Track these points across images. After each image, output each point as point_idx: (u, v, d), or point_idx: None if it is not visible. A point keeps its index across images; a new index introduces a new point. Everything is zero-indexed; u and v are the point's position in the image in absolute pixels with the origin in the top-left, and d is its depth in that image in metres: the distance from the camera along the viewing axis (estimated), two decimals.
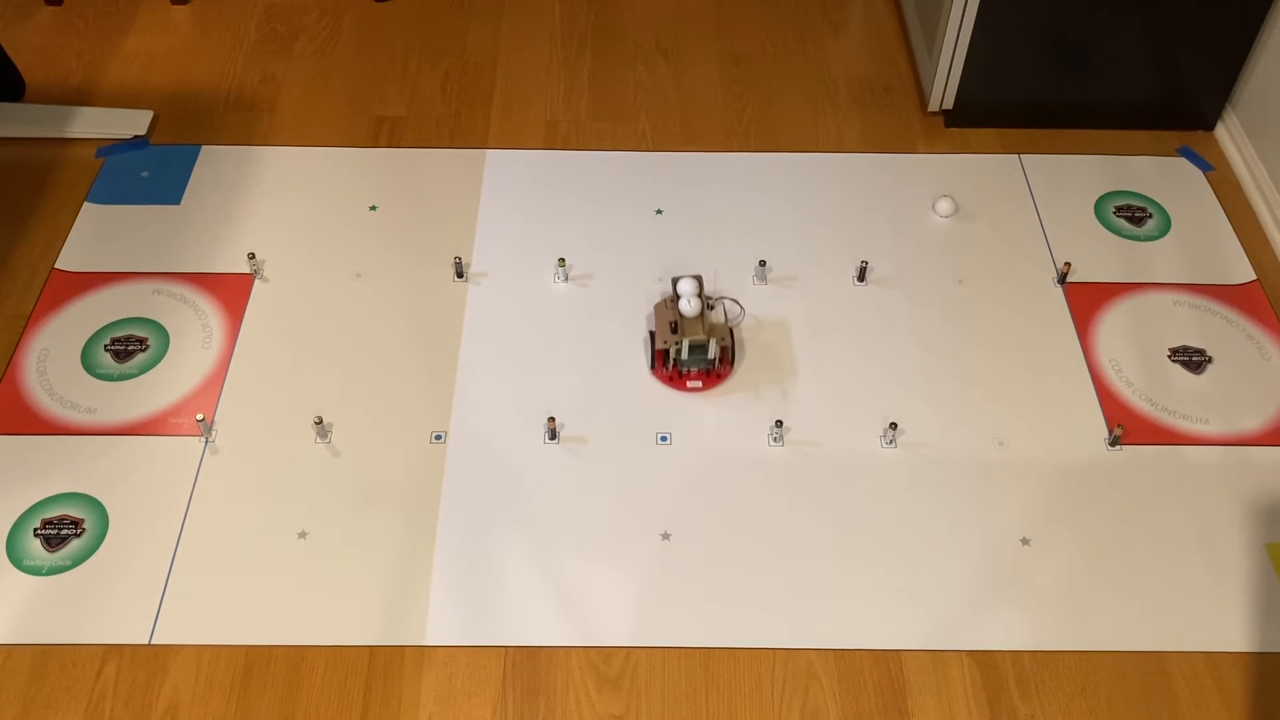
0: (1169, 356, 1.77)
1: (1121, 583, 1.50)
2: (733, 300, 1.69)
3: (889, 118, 2.19)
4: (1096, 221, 1.98)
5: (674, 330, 1.65)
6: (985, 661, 1.43)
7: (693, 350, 1.63)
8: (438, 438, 1.65)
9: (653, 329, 1.69)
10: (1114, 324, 1.82)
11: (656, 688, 1.41)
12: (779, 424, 1.64)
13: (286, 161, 2.06)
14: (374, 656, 1.43)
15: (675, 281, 1.68)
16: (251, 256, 1.86)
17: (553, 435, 1.65)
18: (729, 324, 1.67)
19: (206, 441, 1.64)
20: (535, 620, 1.46)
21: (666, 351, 1.65)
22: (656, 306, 1.70)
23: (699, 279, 1.68)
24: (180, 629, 1.45)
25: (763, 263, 1.86)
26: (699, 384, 1.67)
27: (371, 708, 1.39)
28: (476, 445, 1.64)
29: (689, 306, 1.63)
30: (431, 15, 2.40)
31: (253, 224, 1.95)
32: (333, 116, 2.16)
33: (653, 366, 1.69)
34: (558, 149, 2.10)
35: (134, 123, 2.12)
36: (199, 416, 1.64)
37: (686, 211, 1.99)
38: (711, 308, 1.66)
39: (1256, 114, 2.05)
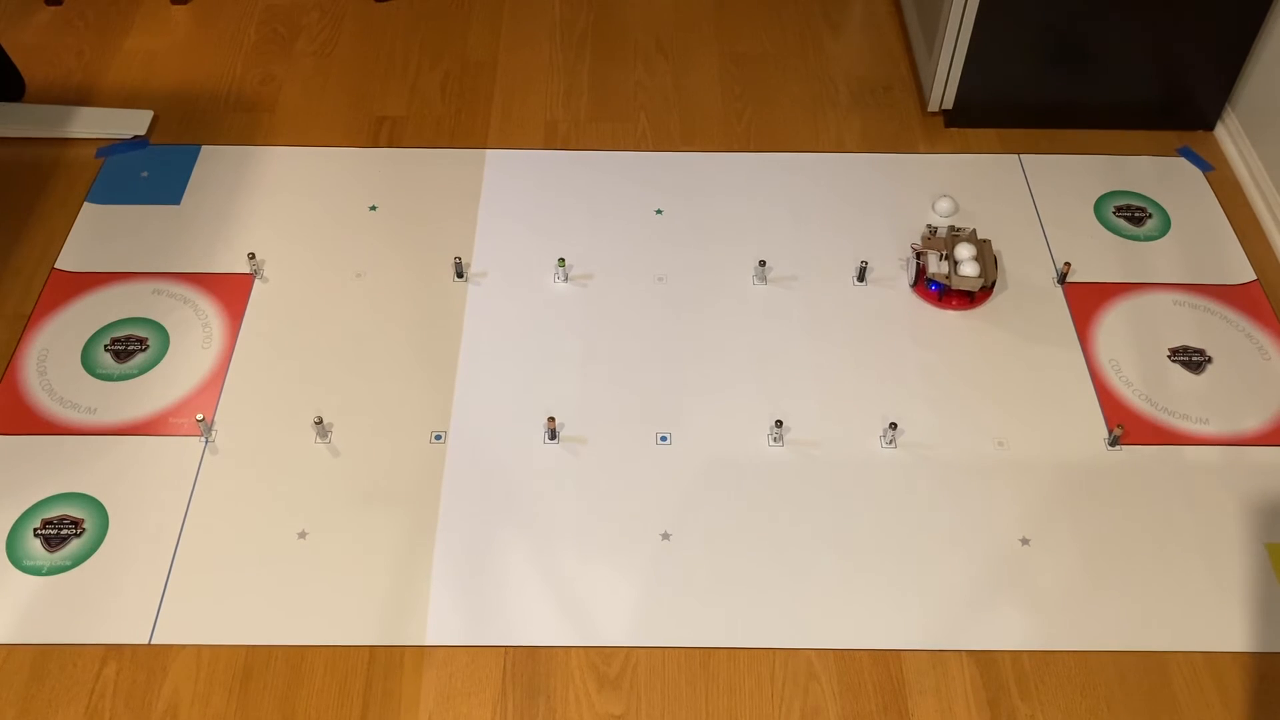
0: (1169, 356, 1.77)
1: (1121, 583, 1.50)
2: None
3: (889, 118, 2.19)
4: (1096, 221, 1.98)
5: (943, 259, 1.81)
6: (985, 661, 1.43)
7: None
8: (438, 438, 1.65)
9: (920, 251, 1.82)
10: (1114, 324, 1.82)
11: (656, 688, 1.41)
12: (779, 424, 1.64)
13: (286, 161, 2.06)
14: (374, 656, 1.43)
15: (955, 241, 1.83)
16: (251, 256, 1.86)
17: (553, 435, 1.65)
18: (995, 261, 1.84)
19: (206, 441, 1.64)
20: (535, 620, 1.46)
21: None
22: (924, 238, 1.86)
23: (974, 242, 1.82)
24: (180, 629, 1.45)
25: (763, 263, 1.86)
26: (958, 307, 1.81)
27: (371, 708, 1.39)
28: (476, 445, 1.64)
29: (970, 268, 1.78)
30: (431, 15, 2.40)
31: (253, 224, 1.95)
32: (333, 116, 2.16)
33: (915, 284, 1.83)
34: (558, 149, 2.10)
35: (134, 123, 2.12)
36: (199, 416, 1.64)
37: (686, 211, 1.99)
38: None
39: (1256, 114, 2.04)
